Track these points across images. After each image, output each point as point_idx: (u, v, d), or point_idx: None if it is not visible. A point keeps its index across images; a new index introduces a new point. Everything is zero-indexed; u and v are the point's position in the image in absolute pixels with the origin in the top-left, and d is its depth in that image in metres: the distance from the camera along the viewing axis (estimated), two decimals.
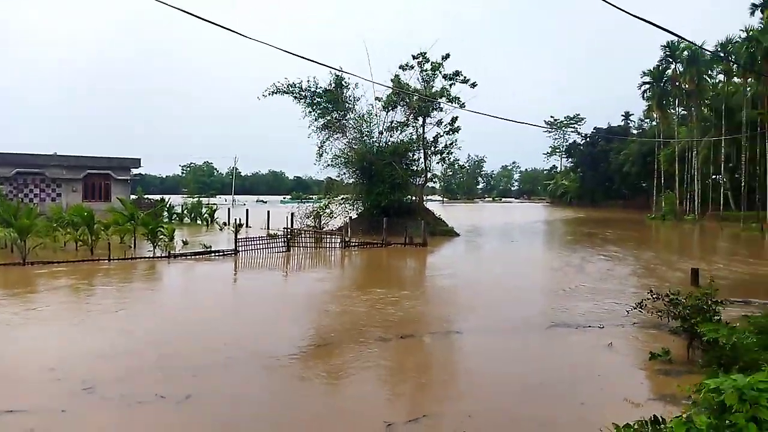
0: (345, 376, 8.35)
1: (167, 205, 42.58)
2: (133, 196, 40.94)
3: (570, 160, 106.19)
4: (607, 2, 8.62)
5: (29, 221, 20.87)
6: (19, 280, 16.53)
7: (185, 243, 24.99)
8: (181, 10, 8.63)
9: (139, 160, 45.15)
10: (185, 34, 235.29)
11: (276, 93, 35.04)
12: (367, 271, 20.94)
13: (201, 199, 55.92)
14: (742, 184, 49.38)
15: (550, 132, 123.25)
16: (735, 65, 48.90)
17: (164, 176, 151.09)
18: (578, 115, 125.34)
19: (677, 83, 57.16)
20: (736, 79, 54.45)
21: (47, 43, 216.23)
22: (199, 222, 42.82)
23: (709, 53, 49.67)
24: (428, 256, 24.90)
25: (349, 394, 7.64)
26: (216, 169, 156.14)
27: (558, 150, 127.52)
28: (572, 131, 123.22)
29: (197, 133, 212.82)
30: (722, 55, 49.75)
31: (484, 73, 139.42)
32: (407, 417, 6.59)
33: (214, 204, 52.17)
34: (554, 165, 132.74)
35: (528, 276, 18.98)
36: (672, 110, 63.21)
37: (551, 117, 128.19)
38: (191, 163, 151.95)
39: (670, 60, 57.05)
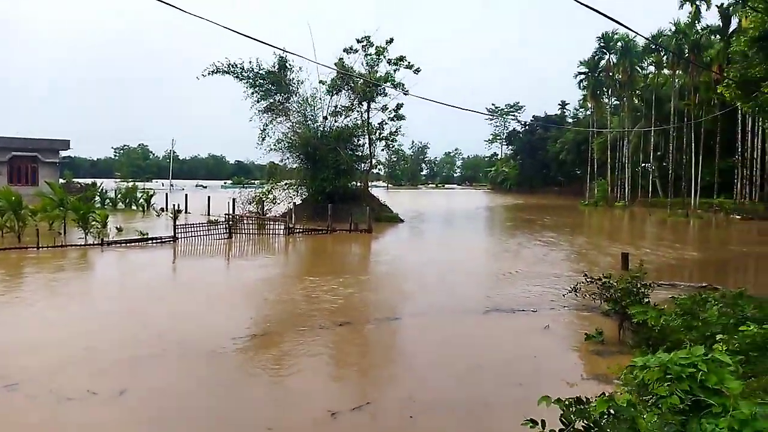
0: (286, 365, 8.25)
1: (99, 190, 40.58)
2: (62, 180, 38.69)
3: (510, 147, 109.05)
4: None
5: None
6: None
7: (119, 230, 23.93)
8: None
9: (68, 141, 42.70)
10: (125, 6, 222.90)
11: (216, 73, 33.96)
12: (311, 257, 20.78)
13: (136, 183, 53.52)
14: (670, 171, 52.39)
15: (491, 120, 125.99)
16: (665, 56, 51.42)
17: (95, 159, 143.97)
18: (518, 103, 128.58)
19: (611, 74, 59.63)
20: (665, 71, 57.36)
21: None
22: (134, 208, 41.04)
23: (642, 42, 51.99)
24: (373, 243, 24.99)
25: (291, 384, 7.55)
26: (152, 152, 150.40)
27: (499, 137, 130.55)
28: (512, 119, 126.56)
29: (132, 114, 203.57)
30: (654, 45, 52.28)
31: (427, 60, 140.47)
32: (351, 405, 6.61)
33: (151, 189, 50.09)
34: (495, 152, 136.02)
35: (468, 261, 19.38)
36: (606, 100, 65.96)
37: (492, 105, 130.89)
38: (125, 146, 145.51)
39: (605, 51, 59.38)
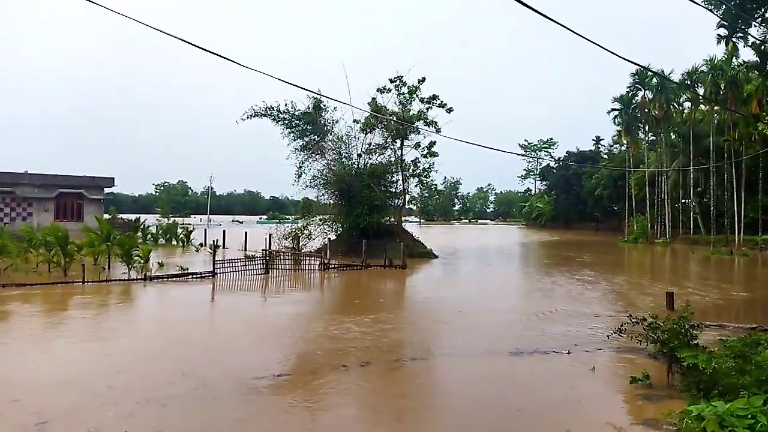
0: (322, 404, 8.23)
1: (142, 226, 41.91)
2: (107, 216, 40.13)
3: (544, 182, 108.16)
4: (577, 34, 8.97)
5: (1, 241, 20.31)
6: None
7: (161, 265, 24.58)
8: (163, 32, 8.69)
9: (113, 179, 44.51)
10: (164, 53, 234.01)
11: (254, 116, 35.19)
12: (346, 294, 20.85)
13: (176, 219, 55.05)
14: (711, 208, 50.95)
15: (524, 155, 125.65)
16: (702, 91, 50.73)
17: (137, 195, 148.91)
18: (551, 139, 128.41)
19: (646, 110, 59.06)
20: (702, 107, 56.50)
21: (20, 57, 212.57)
22: (174, 243, 42.14)
23: (678, 78, 51.50)
24: (407, 279, 24.94)
25: (327, 423, 7.53)
26: (191, 188, 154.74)
27: (532, 173, 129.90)
28: (546, 155, 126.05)
29: (172, 153, 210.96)
30: (689, 83, 51.69)
31: (461, 96, 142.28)
32: None
33: (190, 224, 51.47)
34: (528, 188, 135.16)
35: (506, 299, 19.15)
36: (642, 136, 65.14)
37: (525, 141, 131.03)
38: (165, 182, 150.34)
39: (639, 87, 58.98)
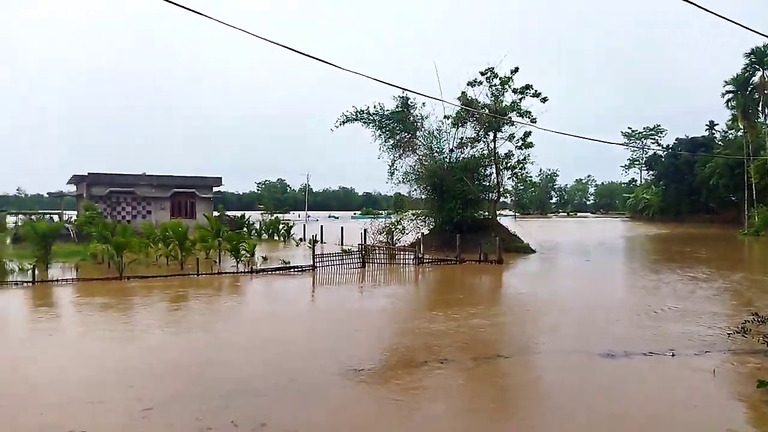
0: (417, 399, 8.30)
1: (246, 222, 44.56)
2: (215, 213, 43.09)
3: (650, 172, 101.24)
4: (690, 2, 8.32)
5: (125, 238, 22.48)
6: (117, 293, 17.79)
7: (265, 259, 25.98)
8: (262, 38, 9.15)
9: (220, 178, 47.58)
10: (267, 61, 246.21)
11: (346, 122, 36.01)
12: (441, 288, 20.89)
13: (278, 215, 57.92)
14: None
15: (627, 145, 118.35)
16: None
17: (241, 193, 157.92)
18: (658, 126, 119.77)
19: (766, 91, 53.33)
20: None
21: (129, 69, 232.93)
22: (276, 238, 44.36)
23: None
24: (504, 274, 24.48)
25: (422, 418, 7.57)
26: (289, 185, 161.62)
27: (637, 162, 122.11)
28: (652, 143, 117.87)
29: (273, 152, 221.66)
30: None
31: (556, 84, 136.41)
32: None
33: (289, 220, 53.98)
34: (633, 178, 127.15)
35: (609, 296, 18.23)
36: (761, 119, 58.96)
37: (629, 128, 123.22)
38: (266, 180, 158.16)
39: (756, 67, 53.43)
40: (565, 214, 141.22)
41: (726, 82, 56.95)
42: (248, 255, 24.68)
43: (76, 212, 47.23)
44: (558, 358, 10.55)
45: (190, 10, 8.11)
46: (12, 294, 17.58)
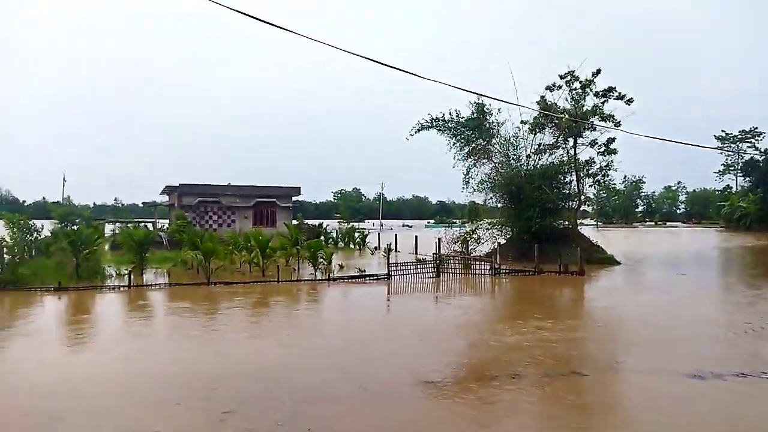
0: (490, 414, 8.11)
1: (323, 230, 45.70)
2: (295, 222, 44.51)
3: (747, 178, 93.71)
4: None
5: (212, 245, 23.69)
6: (204, 298, 18.78)
7: (341, 267, 26.48)
8: (348, 52, 9.38)
9: (299, 188, 49.12)
10: (336, 71, 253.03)
11: (421, 130, 36.08)
12: (518, 300, 20.35)
13: (354, 224, 58.94)
14: None
15: (721, 149, 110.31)
16: None
17: (318, 202, 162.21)
18: (755, 128, 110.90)
19: None
20: None
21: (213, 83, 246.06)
22: (351, 246, 45.13)
23: None
24: (586, 286, 23.48)
25: None
26: (364, 194, 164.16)
27: (732, 168, 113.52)
28: (749, 146, 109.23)
29: (347, 162, 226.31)
30: None
31: (641, 86, 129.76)
32: None
33: (364, 229, 54.81)
34: (728, 185, 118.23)
35: (703, 312, 16.97)
36: None
37: (722, 132, 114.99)
38: (342, 190, 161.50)
39: None
40: (653, 223, 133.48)
41: None
42: (325, 263, 25.27)
43: (168, 221, 50.40)
44: (640, 377, 9.93)
45: (268, 23, 8.48)
46: (110, 297, 18.98)
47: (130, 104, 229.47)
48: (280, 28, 9.83)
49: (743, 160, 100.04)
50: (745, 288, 22.99)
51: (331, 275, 23.45)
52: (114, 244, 34.17)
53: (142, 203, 71.02)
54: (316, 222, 56.17)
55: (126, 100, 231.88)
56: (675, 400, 8.67)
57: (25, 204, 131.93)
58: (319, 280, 22.89)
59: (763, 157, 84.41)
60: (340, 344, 12.35)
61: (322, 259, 25.47)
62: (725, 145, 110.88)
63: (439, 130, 36.04)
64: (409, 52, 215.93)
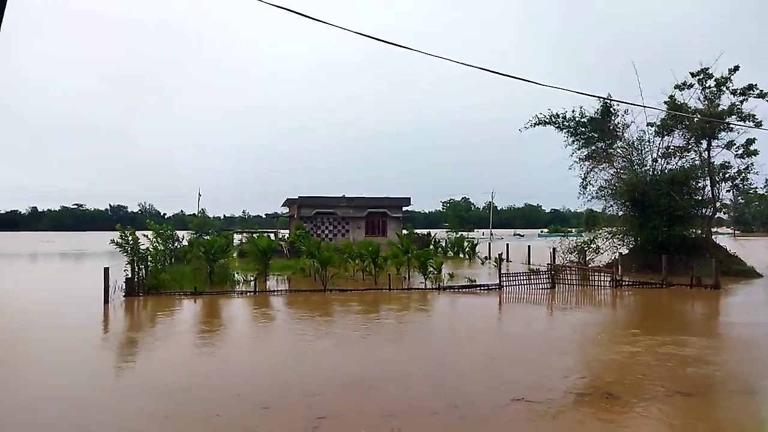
0: None
1: (432, 239, 45.90)
2: (405, 232, 45.17)
3: None
4: None
5: (329, 254, 24.79)
6: (320, 304, 19.69)
7: (451, 276, 26.44)
8: (441, 57, 9.43)
9: (409, 198, 49.85)
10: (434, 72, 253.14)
11: (537, 124, 35.03)
12: (643, 314, 18.96)
13: (462, 233, 58.58)
14: None
15: None
16: None
17: (427, 212, 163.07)
18: None
19: None
20: None
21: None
22: (461, 255, 44.85)
23: None
24: (722, 301, 21.35)
25: None
26: (473, 203, 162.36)
27: None
28: None
29: (456, 171, 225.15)
30: None
31: None
32: None
33: (474, 238, 54.23)
34: None
35: None
36: None
37: None
38: (451, 199, 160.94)
39: None
40: None
41: None
42: (435, 272, 25.39)
43: (288, 231, 53.50)
44: None
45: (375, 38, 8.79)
46: (238, 301, 20.55)
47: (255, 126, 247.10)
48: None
49: None
50: None
51: (441, 284, 23.50)
52: (241, 252, 36.93)
53: (266, 215, 76.17)
54: (425, 231, 56.56)
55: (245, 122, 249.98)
56: None
57: (165, 216, 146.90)
58: (429, 289, 23.04)
59: None
60: (440, 356, 12.13)
61: (432, 268, 25.62)
62: None
63: (557, 127, 34.81)
64: (523, 58, 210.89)
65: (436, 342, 13.91)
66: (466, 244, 46.41)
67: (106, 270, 19.93)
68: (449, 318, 18.06)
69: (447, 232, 78.24)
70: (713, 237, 33.97)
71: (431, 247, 43.25)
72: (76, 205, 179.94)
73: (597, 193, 34.21)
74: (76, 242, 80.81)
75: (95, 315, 17.57)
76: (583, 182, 34.55)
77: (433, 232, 61.50)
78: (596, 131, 33.92)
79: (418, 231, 58.30)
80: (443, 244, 47.85)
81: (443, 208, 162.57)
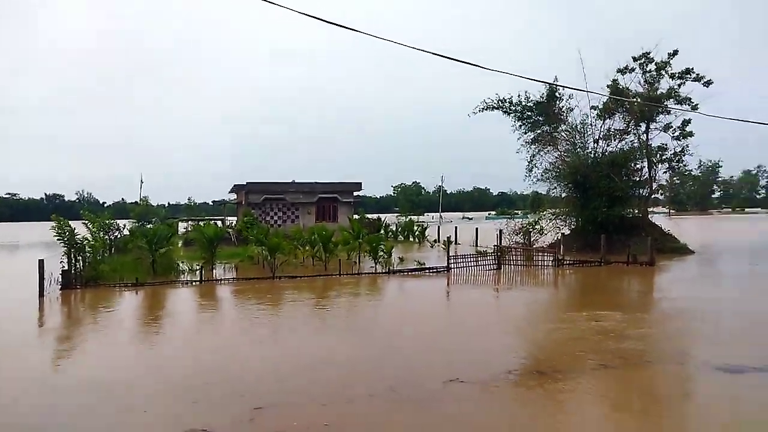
0: (557, 407, 7.95)
1: (383, 224, 46.09)
2: (356, 217, 45.11)
3: None
4: None
5: (278, 240, 24.45)
6: (269, 291, 19.43)
7: (401, 260, 26.63)
8: (392, 42, 9.40)
9: (360, 183, 49.73)
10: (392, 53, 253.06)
11: (485, 109, 35.55)
12: (583, 291, 19.76)
13: (412, 217, 59.10)
14: None
15: None
16: None
17: (378, 197, 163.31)
18: None
19: None
20: None
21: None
22: (411, 239, 45.25)
23: None
24: (656, 277, 22.47)
25: (563, 425, 7.26)
26: (423, 188, 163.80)
27: None
28: None
29: (406, 155, 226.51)
30: None
31: (723, 68, 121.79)
32: None
33: (423, 222, 54.84)
34: None
35: None
36: None
37: None
38: (401, 184, 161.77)
39: None
40: (731, 210, 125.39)
41: None
42: (386, 256, 25.51)
43: (235, 218, 52.44)
44: (723, 371, 9.38)
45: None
46: (182, 291, 19.99)
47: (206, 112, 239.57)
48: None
49: None
50: None
51: (391, 268, 23.66)
52: (187, 241, 35.94)
53: (213, 202, 74.31)
54: (376, 216, 56.74)
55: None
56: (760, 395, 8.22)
57: (105, 205, 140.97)
58: (379, 273, 23.15)
59: None
60: (385, 340, 12.18)
61: (382, 253, 25.72)
62: None
63: (504, 111, 35.42)
64: (474, 43, 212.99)
65: (381, 326, 13.99)
66: (416, 227, 46.85)
67: (41, 262, 18.94)
68: (397, 302, 18.20)
69: (398, 216, 78.83)
70: (650, 216, 35.66)
71: (382, 231, 43.40)
72: (9, 194, 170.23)
73: (542, 175, 35.21)
74: (10, 233, 76.52)
75: (29, 309, 16.71)
76: (528, 165, 35.45)
77: (384, 216, 61.74)
78: (542, 115, 34.75)
79: (370, 216, 58.33)
80: (394, 229, 48.10)
81: (394, 193, 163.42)
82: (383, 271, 23.41)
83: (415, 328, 13.18)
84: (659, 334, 12.34)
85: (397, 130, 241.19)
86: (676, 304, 16.53)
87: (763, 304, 16.11)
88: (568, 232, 33.14)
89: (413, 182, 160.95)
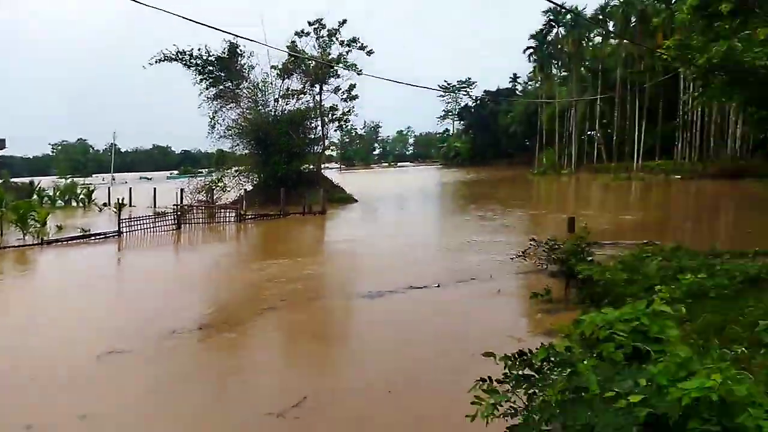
0: (242, 348, 8.14)
1: (37, 188, 38.73)
2: None
3: (462, 122, 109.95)
4: None
5: None
6: None
7: (60, 228, 22.79)
8: None
9: (4, 140, 40.59)
10: None
11: (163, 60, 32.89)
12: (262, 242, 20.52)
13: (76, 179, 51.33)
14: (614, 138, 54.14)
15: (443, 97, 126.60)
16: (611, 29, 52.81)
17: (31, 157, 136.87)
18: (470, 79, 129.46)
19: (559, 46, 60.95)
20: (612, 41, 58.67)
21: None
22: (74, 204, 39.30)
23: (591, 12, 53.33)
24: (327, 223, 24.89)
25: (248, 364, 7.43)
26: (92, 146, 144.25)
27: (451, 114, 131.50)
28: (464, 95, 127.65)
29: (70, 110, 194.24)
30: (601, 18, 53.37)
31: (380, 40, 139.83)
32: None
33: (91, 184, 48.12)
34: (447, 128, 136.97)
35: (422, 237, 19.53)
36: (555, 71, 67.43)
37: (445, 82, 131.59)
38: (63, 141, 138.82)
39: (554, 24, 60.54)
40: (387, 164, 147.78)
41: (531, 36, 63.57)
42: (39, 225, 21.44)
43: None
44: (378, 297, 10.75)
45: None
46: None
47: None
48: None
49: (459, 107, 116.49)
50: (457, 213, 27.21)
51: (45, 239, 20.03)
52: None
53: None
54: (27, 180, 47.33)
55: None
56: (402, 309, 9.82)
57: None
58: (30, 245, 19.37)
59: (474, 104, 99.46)
60: (56, 315, 10.59)
61: (34, 222, 21.52)
62: (447, 93, 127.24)
63: (184, 64, 33.31)
64: None
65: (29, 309, 11.71)
66: (80, 190, 40.79)
67: None
68: (51, 276, 15.59)
69: (58, 178, 67.49)
70: (323, 171, 39.06)
71: (35, 197, 36.42)
72: None
73: (225, 132, 34.72)
74: None
75: None
76: (211, 121, 34.47)
77: (38, 179, 51.91)
78: (224, 71, 34.01)
79: (19, 180, 48.39)
80: (51, 193, 40.85)
81: (53, 152, 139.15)
82: (35, 242, 19.65)
83: (72, 303, 11.45)
84: (323, 274, 13.62)
85: (52, 78, 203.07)
86: (339, 246, 18.58)
87: (405, 239, 19.35)
88: (252, 188, 33.74)
89: (78, 140, 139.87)
